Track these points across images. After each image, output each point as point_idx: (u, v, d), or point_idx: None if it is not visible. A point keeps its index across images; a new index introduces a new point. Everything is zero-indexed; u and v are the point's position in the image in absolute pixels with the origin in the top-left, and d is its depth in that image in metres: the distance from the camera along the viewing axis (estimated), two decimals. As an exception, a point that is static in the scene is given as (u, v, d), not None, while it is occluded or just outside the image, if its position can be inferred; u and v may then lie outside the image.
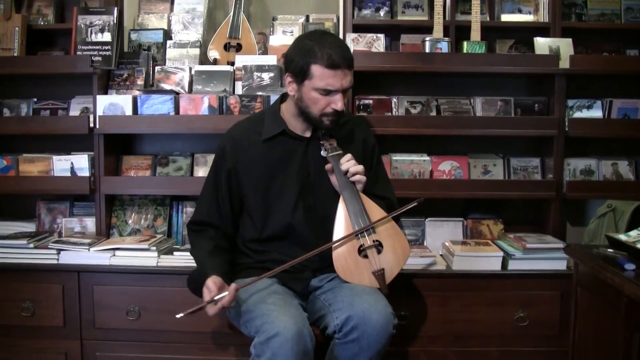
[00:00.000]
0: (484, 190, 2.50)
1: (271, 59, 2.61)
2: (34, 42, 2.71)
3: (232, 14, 2.76)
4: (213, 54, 2.73)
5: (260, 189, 1.94)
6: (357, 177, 1.88)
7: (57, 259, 2.35)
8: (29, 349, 2.35)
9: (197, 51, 2.68)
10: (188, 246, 2.13)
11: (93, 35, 2.53)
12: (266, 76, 2.56)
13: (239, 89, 2.59)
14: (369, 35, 2.65)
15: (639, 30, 2.77)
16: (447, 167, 2.57)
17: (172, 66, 2.63)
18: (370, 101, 2.58)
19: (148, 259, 2.33)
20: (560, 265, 2.29)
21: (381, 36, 2.66)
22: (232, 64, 2.65)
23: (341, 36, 2.67)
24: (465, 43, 2.58)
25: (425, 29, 2.69)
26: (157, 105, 2.50)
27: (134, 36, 2.74)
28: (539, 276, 2.28)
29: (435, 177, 2.55)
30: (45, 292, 2.33)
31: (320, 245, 1.83)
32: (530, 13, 2.79)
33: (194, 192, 2.06)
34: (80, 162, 2.54)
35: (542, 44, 2.62)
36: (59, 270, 2.34)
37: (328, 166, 1.90)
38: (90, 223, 2.59)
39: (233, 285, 1.72)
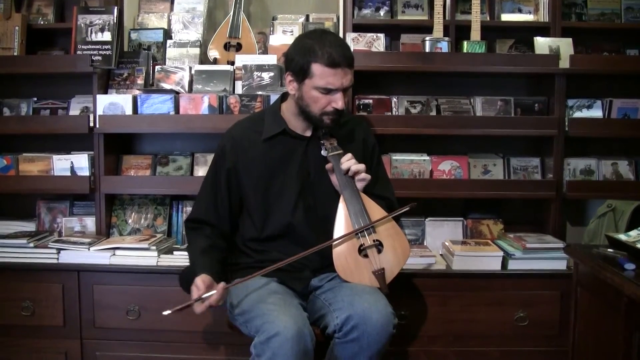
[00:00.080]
0: (484, 190, 2.50)
1: (271, 59, 2.61)
2: (34, 42, 2.71)
3: (232, 13, 2.76)
4: (213, 53, 2.73)
5: (260, 188, 1.94)
6: (362, 175, 1.88)
7: (57, 259, 2.35)
8: (29, 348, 2.35)
9: (197, 51, 2.68)
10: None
11: (93, 34, 2.53)
12: (266, 76, 2.56)
13: (239, 89, 2.59)
14: (369, 34, 2.65)
15: (639, 30, 2.76)
16: (447, 167, 2.57)
17: (172, 66, 2.62)
18: (370, 101, 2.58)
19: (148, 258, 2.33)
20: (560, 265, 2.29)
21: (381, 36, 2.66)
22: (232, 63, 2.65)
23: (341, 36, 2.66)
24: (465, 43, 2.58)
25: (425, 28, 2.68)
26: (157, 105, 2.49)
27: (134, 36, 2.74)
28: (538, 276, 2.28)
29: (435, 177, 2.55)
30: (45, 292, 2.33)
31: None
32: (530, 13, 2.79)
33: (194, 192, 2.06)
34: (80, 162, 2.54)
35: (542, 44, 2.62)
36: (58, 269, 2.34)
37: (328, 165, 1.90)
38: (90, 222, 2.59)
39: (221, 284, 1.72)
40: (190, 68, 2.60)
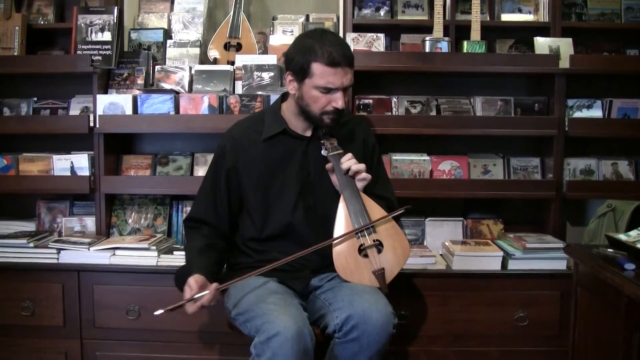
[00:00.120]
0: (484, 190, 2.50)
1: (271, 59, 2.61)
2: (34, 42, 2.71)
3: (232, 13, 2.76)
4: (213, 53, 2.73)
5: (260, 188, 1.94)
6: (362, 175, 1.87)
7: (57, 259, 2.35)
8: (29, 348, 2.35)
9: (197, 50, 2.68)
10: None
11: (93, 34, 2.53)
12: (266, 76, 2.56)
13: (239, 89, 2.59)
14: (369, 34, 2.65)
15: (639, 30, 2.77)
16: (447, 167, 2.57)
17: (172, 66, 2.62)
18: (370, 101, 2.58)
19: (148, 258, 2.33)
20: (560, 265, 2.29)
21: (381, 36, 2.66)
22: (232, 63, 2.65)
23: (341, 36, 2.66)
24: (465, 43, 2.58)
25: (425, 28, 2.68)
26: (157, 105, 2.49)
27: (134, 35, 2.74)
28: (538, 276, 2.28)
29: (435, 177, 2.55)
30: (45, 292, 2.33)
31: (320, 246, 1.83)
32: (530, 13, 2.79)
33: (194, 192, 2.05)
34: (80, 162, 2.54)
35: (542, 44, 2.62)
36: (59, 269, 2.34)
37: (328, 165, 1.90)
38: (90, 222, 2.59)
39: (214, 285, 1.72)
40: (190, 68, 2.60)
